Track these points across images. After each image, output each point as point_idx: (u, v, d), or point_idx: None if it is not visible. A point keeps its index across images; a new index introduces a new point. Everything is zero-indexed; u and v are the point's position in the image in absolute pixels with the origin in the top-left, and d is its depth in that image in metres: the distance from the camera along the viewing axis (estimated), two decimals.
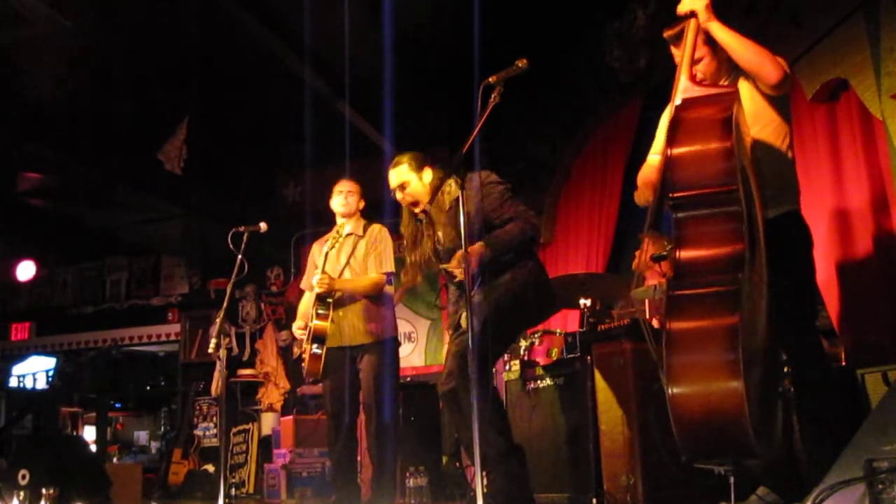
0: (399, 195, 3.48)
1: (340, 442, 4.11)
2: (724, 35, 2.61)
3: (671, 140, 2.38)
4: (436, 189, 3.26)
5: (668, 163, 2.36)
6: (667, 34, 2.80)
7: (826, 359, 2.82)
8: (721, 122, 2.34)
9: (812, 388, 2.61)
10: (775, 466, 2.50)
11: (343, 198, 4.21)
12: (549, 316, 3.78)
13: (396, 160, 3.54)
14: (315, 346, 3.99)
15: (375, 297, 4.10)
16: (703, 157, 2.33)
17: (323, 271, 4.02)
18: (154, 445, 11.37)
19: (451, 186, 3.21)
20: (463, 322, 3.23)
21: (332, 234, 4.21)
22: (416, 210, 3.45)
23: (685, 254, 2.33)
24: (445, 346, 3.62)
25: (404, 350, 7.07)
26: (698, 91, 2.54)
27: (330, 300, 4.02)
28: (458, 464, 4.96)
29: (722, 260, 2.26)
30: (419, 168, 3.48)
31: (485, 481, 3.55)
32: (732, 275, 2.21)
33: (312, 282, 4.04)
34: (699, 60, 2.71)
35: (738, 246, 2.26)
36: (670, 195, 2.35)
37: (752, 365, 2.21)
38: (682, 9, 2.67)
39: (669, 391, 2.14)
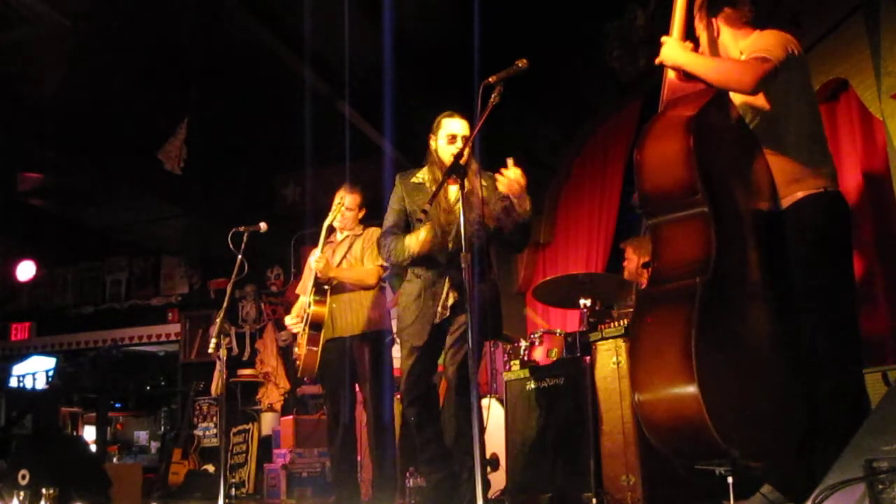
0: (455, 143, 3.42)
1: (338, 440, 4.12)
2: (696, 68, 2.59)
3: (638, 146, 2.38)
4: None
5: (635, 169, 2.36)
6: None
7: (855, 362, 2.59)
8: (680, 123, 2.32)
9: (833, 393, 2.49)
10: (781, 465, 2.48)
11: (341, 215, 4.21)
12: (497, 338, 3.94)
13: (463, 115, 3.52)
14: (312, 335, 3.99)
15: (370, 290, 4.11)
16: (663, 161, 2.32)
17: (321, 252, 4.02)
18: (154, 445, 11.37)
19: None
20: (439, 314, 3.32)
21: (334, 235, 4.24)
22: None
23: (658, 260, 2.35)
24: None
25: None
26: (683, 89, 2.54)
27: (326, 287, 4.03)
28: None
29: (686, 264, 2.25)
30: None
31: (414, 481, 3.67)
32: (692, 279, 2.18)
33: (310, 261, 4.05)
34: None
35: (703, 249, 2.23)
36: (640, 203, 2.37)
37: (736, 367, 2.20)
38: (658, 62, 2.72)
39: (635, 398, 2.16)
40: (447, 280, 3.35)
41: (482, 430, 3.28)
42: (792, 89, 2.63)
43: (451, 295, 3.34)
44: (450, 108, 3.64)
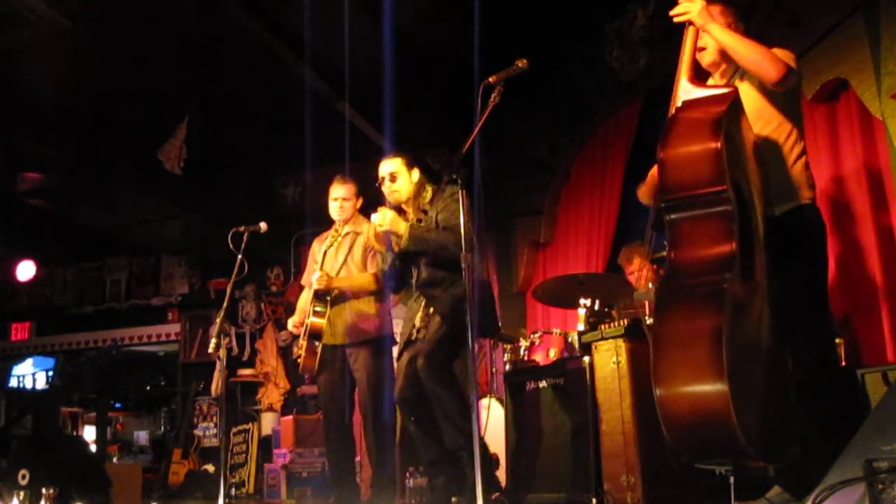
0: (386, 185, 3.76)
1: (337, 441, 4.11)
2: (722, 36, 2.67)
3: (662, 143, 2.39)
4: (417, 190, 3.70)
5: (659, 165, 2.37)
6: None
7: (834, 357, 2.82)
8: (711, 123, 2.34)
9: (817, 387, 2.59)
10: (790, 467, 2.49)
11: (338, 206, 4.22)
12: (491, 336, 4.09)
13: (392, 154, 3.87)
14: (311, 342, 4.01)
15: (372, 295, 4.10)
16: (692, 159, 2.33)
17: (321, 269, 4.04)
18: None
19: (428, 192, 3.71)
20: (417, 321, 3.60)
21: (332, 232, 4.22)
22: (394, 202, 3.79)
23: (676, 255, 2.34)
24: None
25: None
26: (697, 92, 2.55)
27: (328, 298, 4.03)
28: None
29: (711, 260, 2.26)
30: (410, 167, 3.78)
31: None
32: (720, 275, 2.20)
33: (311, 279, 4.06)
34: (703, 49, 2.77)
35: (729, 246, 2.26)
36: (662, 197, 2.37)
37: (749, 365, 2.21)
38: (678, 18, 2.72)
39: (656, 392, 2.14)
40: (422, 302, 3.63)
41: (449, 416, 3.39)
42: (796, 105, 2.77)
43: (422, 317, 3.60)
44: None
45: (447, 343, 3.46)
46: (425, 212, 3.67)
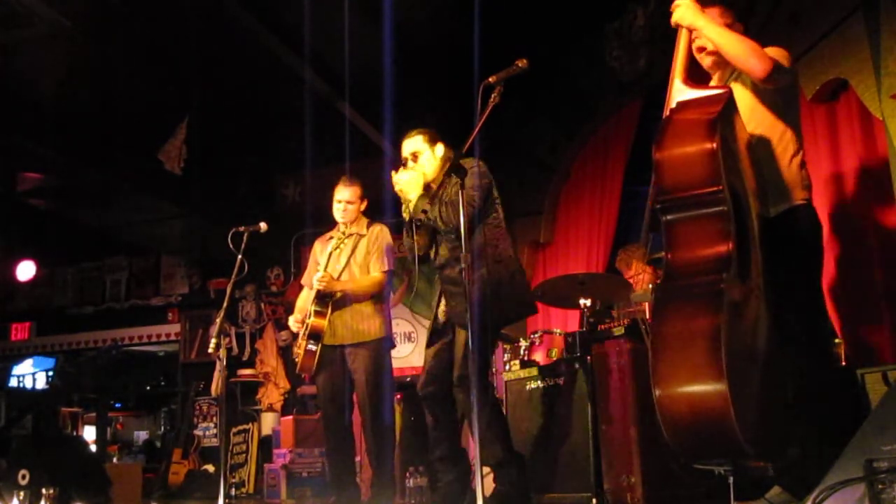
0: (409, 165, 3.51)
1: (336, 442, 4.11)
2: (710, 31, 2.68)
3: (657, 144, 2.39)
4: (443, 166, 3.43)
5: (654, 166, 2.37)
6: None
7: (831, 356, 2.83)
8: (706, 124, 2.35)
9: (817, 387, 2.59)
10: (790, 467, 2.49)
11: (341, 208, 4.20)
12: (525, 316, 3.79)
13: (412, 131, 3.58)
14: (311, 342, 4.00)
15: (372, 297, 4.10)
16: (687, 160, 2.34)
17: (325, 270, 4.03)
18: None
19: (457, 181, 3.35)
20: (440, 314, 3.45)
21: (337, 234, 4.21)
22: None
23: (673, 256, 2.34)
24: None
25: (404, 350, 7.07)
26: (691, 93, 2.56)
27: (329, 299, 4.02)
28: None
29: (708, 260, 2.27)
30: (433, 142, 3.53)
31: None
32: (717, 275, 2.20)
33: (313, 280, 4.05)
34: (702, 49, 2.78)
35: (725, 246, 2.26)
36: (657, 198, 2.37)
37: (747, 365, 2.21)
38: (673, 22, 2.74)
39: (655, 393, 2.14)
40: (440, 287, 3.48)
41: (483, 429, 3.31)
42: (792, 104, 2.77)
43: (444, 310, 3.46)
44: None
45: (479, 356, 3.37)
46: (425, 211, 3.51)
